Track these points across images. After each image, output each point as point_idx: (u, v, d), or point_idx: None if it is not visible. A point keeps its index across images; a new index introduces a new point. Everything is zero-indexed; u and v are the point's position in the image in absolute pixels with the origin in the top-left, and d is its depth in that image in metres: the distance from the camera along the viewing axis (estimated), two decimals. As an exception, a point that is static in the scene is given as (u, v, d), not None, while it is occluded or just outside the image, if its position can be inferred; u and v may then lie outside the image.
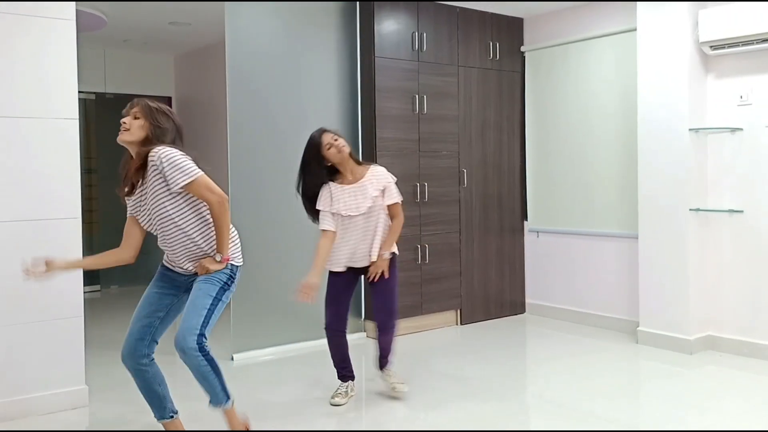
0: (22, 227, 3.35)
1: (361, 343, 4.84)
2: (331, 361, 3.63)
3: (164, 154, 2.61)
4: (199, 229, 2.73)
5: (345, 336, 3.58)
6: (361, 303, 5.02)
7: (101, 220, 7.27)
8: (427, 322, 5.10)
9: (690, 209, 4.41)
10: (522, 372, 4.30)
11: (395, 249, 3.52)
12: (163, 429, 2.98)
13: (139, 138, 2.69)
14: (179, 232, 2.71)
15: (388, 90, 4.89)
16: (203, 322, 2.68)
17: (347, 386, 3.60)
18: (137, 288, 7.36)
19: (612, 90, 5.07)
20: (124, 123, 2.70)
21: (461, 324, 5.35)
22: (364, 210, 3.39)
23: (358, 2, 4.93)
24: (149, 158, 2.63)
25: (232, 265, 2.80)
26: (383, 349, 3.62)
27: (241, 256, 2.87)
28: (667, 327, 4.52)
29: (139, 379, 2.88)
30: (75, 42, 3.48)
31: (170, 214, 2.68)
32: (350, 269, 3.51)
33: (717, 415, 3.35)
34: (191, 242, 2.73)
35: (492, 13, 5.46)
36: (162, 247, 2.83)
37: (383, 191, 3.43)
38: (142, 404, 3.54)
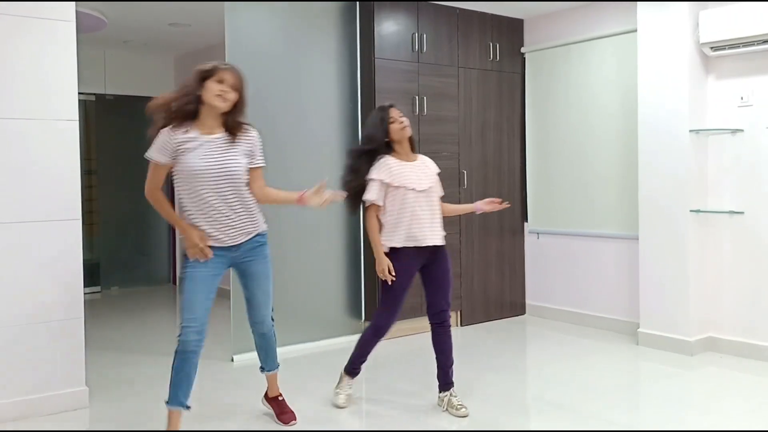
0: (23, 228, 3.34)
1: (361, 344, 4.83)
2: (353, 354, 3.53)
3: (257, 135, 3.04)
4: (248, 200, 2.97)
5: None
6: (361, 303, 5.02)
7: (101, 221, 7.28)
8: (427, 324, 5.08)
9: (690, 210, 4.41)
10: (522, 373, 4.30)
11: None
12: (163, 429, 2.97)
13: (229, 109, 2.90)
14: (243, 194, 2.92)
15: (388, 91, 4.88)
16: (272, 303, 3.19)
17: (350, 385, 3.56)
18: (137, 289, 7.44)
19: (612, 91, 5.07)
20: (226, 91, 2.85)
21: (461, 325, 5.35)
22: (427, 186, 3.36)
23: (357, 3, 4.93)
24: (249, 131, 2.99)
25: (265, 233, 3.09)
26: (446, 359, 3.43)
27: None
28: (668, 328, 4.52)
29: (189, 363, 2.89)
30: (75, 43, 3.48)
31: (242, 177, 2.91)
32: (412, 258, 3.34)
33: (717, 417, 3.34)
34: (244, 208, 2.94)
35: (492, 14, 5.46)
36: (221, 210, 2.88)
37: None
38: (142, 405, 3.55)
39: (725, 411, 3.45)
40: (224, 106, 2.86)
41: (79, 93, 3.53)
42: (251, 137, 2.99)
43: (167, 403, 2.91)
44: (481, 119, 5.44)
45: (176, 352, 2.90)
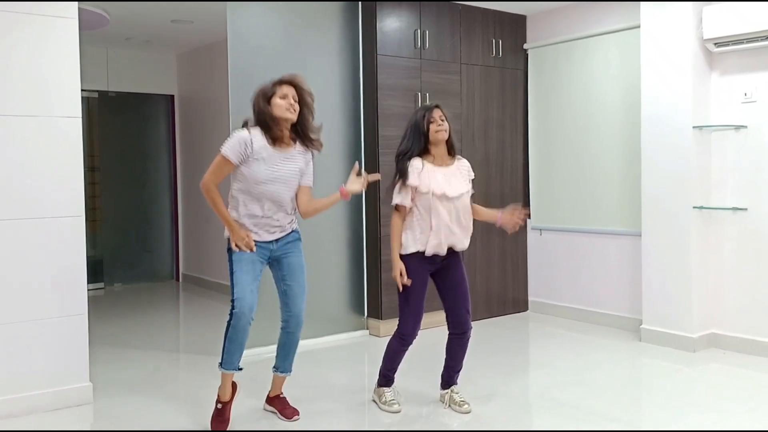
0: (26, 225, 3.35)
1: (363, 341, 4.85)
2: (382, 366, 3.45)
3: (311, 156, 3.28)
4: (291, 207, 3.22)
5: None
6: (364, 300, 5.02)
7: (104, 217, 7.30)
8: (428, 320, 5.06)
9: (693, 207, 4.40)
10: (524, 370, 4.30)
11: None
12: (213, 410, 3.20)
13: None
14: (289, 203, 3.18)
15: (390, 88, 4.88)
16: None
17: (393, 392, 3.47)
18: (140, 286, 7.46)
19: (615, 87, 5.06)
20: (293, 104, 3.09)
21: (464, 322, 5.34)
22: (455, 194, 3.26)
23: (360, 0, 4.93)
24: (317, 148, 3.25)
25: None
26: (456, 364, 3.42)
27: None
28: (670, 325, 4.52)
29: (243, 333, 3.12)
30: (77, 40, 3.48)
31: (294, 190, 3.19)
32: (423, 262, 3.29)
33: (719, 414, 3.34)
34: (286, 214, 3.20)
35: (494, 11, 5.45)
36: (269, 211, 3.12)
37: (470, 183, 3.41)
38: (146, 401, 3.57)
39: (728, 407, 3.44)
40: (294, 116, 3.11)
41: (81, 90, 3.53)
42: (308, 157, 3.23)
43: (222, 366, 3.15)
44: (483, 116, 5.44)
45: (230, 324, 3.08)
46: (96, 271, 7.04)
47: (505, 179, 5.59)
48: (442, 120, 3.28)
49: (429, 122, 3.27)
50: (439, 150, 3.32)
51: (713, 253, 4.51)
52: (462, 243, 3.34)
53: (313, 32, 4.79)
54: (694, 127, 4.38)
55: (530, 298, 5.77)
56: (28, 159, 3.37)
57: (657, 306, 4.60)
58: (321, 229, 4.81)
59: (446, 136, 3.30)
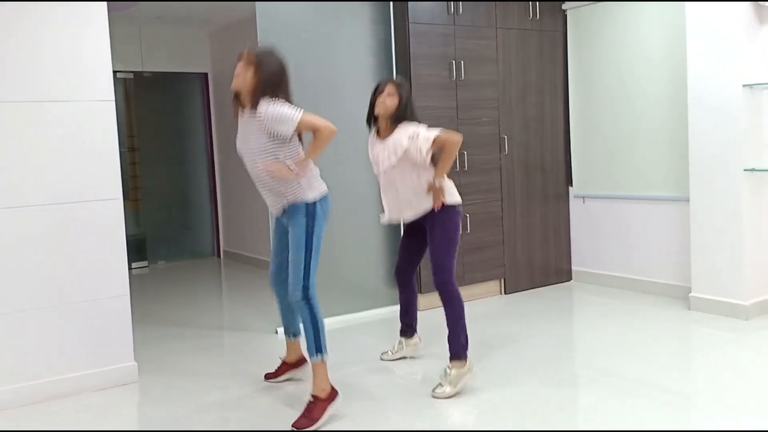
0: (66, 210, 3.39)
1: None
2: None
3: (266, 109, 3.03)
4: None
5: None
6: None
7: (146, 197, 7.40)
8: (470, 293, 5.04)
9: (744, 169, 4.22)
10: (569, 340, 4.23)
11: (454, 199, 3.37)
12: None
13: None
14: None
15: (423, 57, 4.77)
16: (304, 274, 3.01)
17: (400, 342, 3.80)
18: (184, 263, 7.57)
19: (659, 46, 4.85)
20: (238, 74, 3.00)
21: (505, 293, 5.28)
22: (386, 167, 3.39)
23: (391, -33, 4.80)
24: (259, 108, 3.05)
25: (306, 203, 3.05)
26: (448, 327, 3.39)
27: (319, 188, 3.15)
28: (721, 292, 4.37)
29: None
30: (107, 22, 3.46)
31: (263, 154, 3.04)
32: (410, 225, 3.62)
33: (775, 384, 3.23)
34: (275, 182, 3.06)
35: (531, -28, 5.27)
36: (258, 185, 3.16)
37: (412, 138, 3.27)
38: (190, 378, 3.61)
39: (783, 377, 3.32)
40: (236, 86, 2.99)
41: (117, 71, 3.54)
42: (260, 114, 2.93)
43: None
44: (521, 82, 5.29)
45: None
46: (140, 249, 7.17)
47: (545, 146, 5.44)
48: (389, 94, 3.34)
49: (377, 95, 3.38)
50: (382, 123, 3.42)
51: (765, 217, 4.32)
52: (405, 213, 3.48)
53: (343, 3, 4.69)
54: (744, 85, 4.18)
55: (574, 268, 5.65)
56: (65, 144, 3.39)
57: (707, 273, 4.45)
58: (356, 203, 4.77)
59: (386, 111, 3.36)
